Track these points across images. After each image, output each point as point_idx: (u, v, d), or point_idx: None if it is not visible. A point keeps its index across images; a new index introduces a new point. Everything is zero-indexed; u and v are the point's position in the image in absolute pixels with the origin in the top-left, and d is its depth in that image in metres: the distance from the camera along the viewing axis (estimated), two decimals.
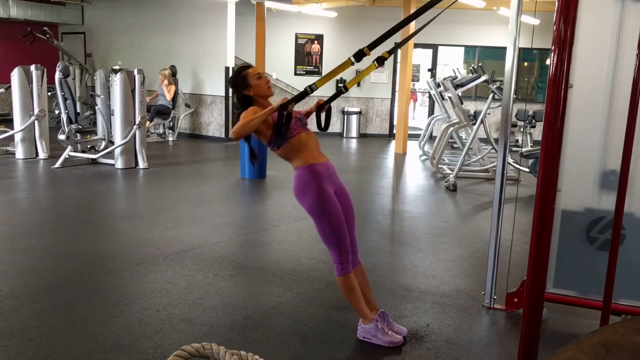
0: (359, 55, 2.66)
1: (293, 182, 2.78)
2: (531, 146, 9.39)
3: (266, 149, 7.67)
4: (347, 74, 3.31)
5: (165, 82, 10.45)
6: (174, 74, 10.92)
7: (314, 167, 2.73)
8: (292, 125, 2.72)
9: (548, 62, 1.77)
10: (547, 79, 1.83)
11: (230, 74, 10.57)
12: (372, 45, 2.65)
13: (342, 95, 13.93)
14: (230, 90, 2.64)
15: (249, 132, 2.65)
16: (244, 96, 2.81)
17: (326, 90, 2.77)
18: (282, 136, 2.70)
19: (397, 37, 2.96)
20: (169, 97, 10.48)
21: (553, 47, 1.80)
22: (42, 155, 8.17)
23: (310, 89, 2.64)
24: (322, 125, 2.80)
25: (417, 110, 17.51)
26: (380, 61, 2.62)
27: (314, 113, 2.83)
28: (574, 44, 1.81)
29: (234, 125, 2.66)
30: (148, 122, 9.73)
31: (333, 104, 2.86)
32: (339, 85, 3.04)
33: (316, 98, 2.98)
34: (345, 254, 2.76)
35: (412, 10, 9.59)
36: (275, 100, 2.75)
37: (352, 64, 2.69)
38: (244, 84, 2.80)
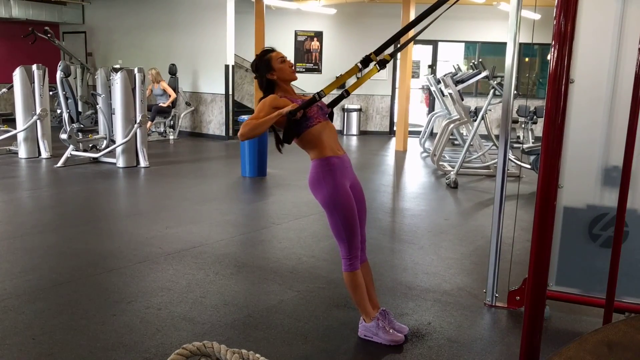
0: (366, 62, 2.66)
1: (309, 173, 2.73)
2: (532, 142, 9.37)
3: (267, 146, 7.63)
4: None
5: (160, 83, 10.40)
6: (173, 72, 10.91)
7: (331, 160, 2.69)
8: (313, 114, 2.67)
9: (549, 57, 1.76)
10: (548, 74, 1.82)
11: (230, 72, 10.57)
12: (379, 51, 2.65)
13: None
14: (255, 74, 2.60)
15: (256, 136, 2.62)
16: (268, 80, 2.74)
17: (331, 95, 2.78)
18: (288, 142, 2.69)
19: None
20: (172, 94, 10.45)
21: (553, 42, 1.78)
22: (44, 154, 8.18)
23: (319, 95, 2.61)
24: None
25: (423, 109, 17.09)
26: (382, 64, 2.64)
27: None
28: (575, 39, 1.80)
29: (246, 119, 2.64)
30: (150, 122, 9.73)
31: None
32: (342, 90, 3.00)
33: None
34: (355, 249, 2.74)
35: (412, 7, 9.56)
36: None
37: (360, 70, 2.68)
38: (267, 67, 2.74)
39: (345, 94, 2.72)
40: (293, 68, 2.81)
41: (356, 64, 2.66)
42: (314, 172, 2.71)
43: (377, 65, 2.63)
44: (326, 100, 2.79)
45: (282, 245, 4.46)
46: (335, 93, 2.86)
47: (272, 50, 2.82)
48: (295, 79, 2.81)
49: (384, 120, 12.59)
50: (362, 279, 2.80)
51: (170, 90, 10.48)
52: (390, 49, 2.70)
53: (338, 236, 2.74)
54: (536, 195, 1.87)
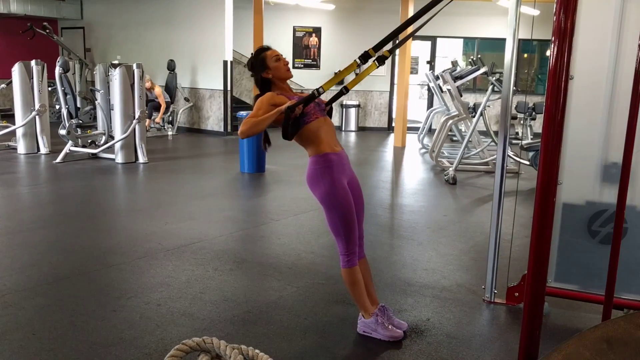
0: (365, 57, 2.65)
1: (307, 169, 2.74)
2: (531, 139, 9.37)
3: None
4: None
5: (154, 89, 10.39)
6: (172, 68, 10.88)
7: (329, 156, 2.69)
8: (310, 110, 2.67)
9: (548, 53, 1.75)
10: (548, 70, 1.81)
11: (229, 68, 10.55)
12: (378, 47, 2.64)
13: None
14: (250, 72, 2.62)
15: (257, 133, 2.61)
16: (263, 78, 2.76)
17: (330, 91, 2.78)
18: (287, 138, 2.66)
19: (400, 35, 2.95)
20: (162, 104, 10.44)
21: (553, 38, 1.78)
22: (43, 150, 8.17)
23: (318, 92, 2.61)
24: None
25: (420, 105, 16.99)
26: (381, 60, 2.65)
27: None
28: (575, 35, 1.79)
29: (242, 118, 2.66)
30: (148, 120, 9.71)
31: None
32: (341, 86, 3.00)
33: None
34: (353, 246, 2.74)
35: (410, 3, 9.53)
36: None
37: (358, 66, 2.68)
38: (262, 65, 2.75)
39: (345, 90, 2.71)
40: (288, 66, 2.81)
41: (355, 60, 2.66)
42: (312, 168, 2.71)
43: (375, 61, 2.63)
44: (325, 96, 2.78)
45: (281, 241, 4.46)
46: (335, 89, 2.85)
47: (267, 48, 2.82)
48: (291, 76, 2.82)
49: (383, 116, 12.58)
50: (360, 275, 2.80)
51: (162, 99, 10.42)
52: (389, 45, 2.70)
53: (336, 233, 2.74)
54: (535, 191, 1.87)
